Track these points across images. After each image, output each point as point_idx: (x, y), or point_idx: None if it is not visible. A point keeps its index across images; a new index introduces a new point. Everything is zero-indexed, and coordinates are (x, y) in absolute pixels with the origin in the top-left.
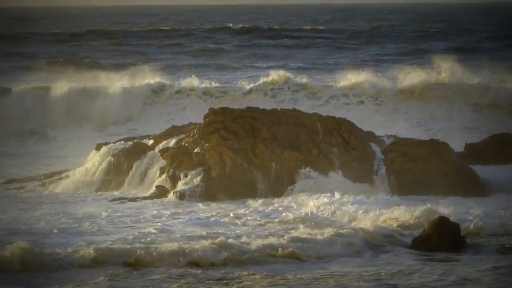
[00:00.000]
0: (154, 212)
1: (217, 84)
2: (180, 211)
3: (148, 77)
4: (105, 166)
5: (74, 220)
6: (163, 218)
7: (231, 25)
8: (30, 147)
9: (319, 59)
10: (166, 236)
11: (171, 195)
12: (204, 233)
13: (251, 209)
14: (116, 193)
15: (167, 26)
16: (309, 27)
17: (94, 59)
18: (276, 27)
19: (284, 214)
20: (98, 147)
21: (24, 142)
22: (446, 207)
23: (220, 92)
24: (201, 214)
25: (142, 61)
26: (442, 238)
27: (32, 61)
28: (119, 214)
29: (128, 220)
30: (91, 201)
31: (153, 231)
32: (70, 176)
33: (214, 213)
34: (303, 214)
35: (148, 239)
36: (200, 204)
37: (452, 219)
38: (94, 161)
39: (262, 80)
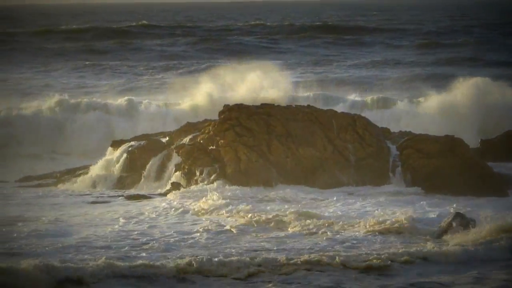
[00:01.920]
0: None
1: None
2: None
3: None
4: (121, 163)
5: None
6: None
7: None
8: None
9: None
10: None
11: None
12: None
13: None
14: (132, 190)
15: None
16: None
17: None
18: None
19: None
20: (114, 145)
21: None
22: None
23: None
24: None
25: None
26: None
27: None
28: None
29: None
30: (110, 199)
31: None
32: (86, 173)
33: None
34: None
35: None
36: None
37: None
38: (110, 159)
39: None
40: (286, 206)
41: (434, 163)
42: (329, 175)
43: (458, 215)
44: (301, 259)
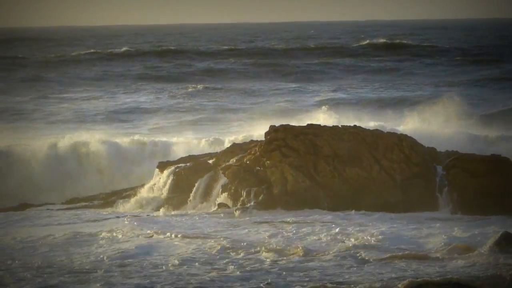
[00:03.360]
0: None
1: None
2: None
3: None
4: (168, 185)
5: None
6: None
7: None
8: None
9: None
10: None
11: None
12: None
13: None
14: (178, 211)
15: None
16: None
17: None
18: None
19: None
20: (160, 166)
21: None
22: None
23: None
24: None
25: None
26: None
27: None
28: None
29: None
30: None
31: None
32: (132, 195)
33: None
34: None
35: None
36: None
37: None
38: (157, 180)
39: None
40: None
41: (481, 183)
42: (376, 196)
43: (506, 235)
44: None
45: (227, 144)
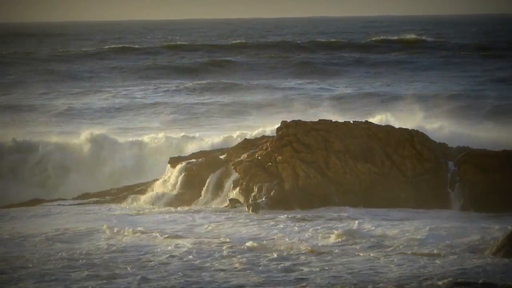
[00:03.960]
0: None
1: None
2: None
3: None
4: (179, 181)
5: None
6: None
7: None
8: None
9: None
10: None
11: (245, 208)
12: None
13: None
14: (190, 207)
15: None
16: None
17: None
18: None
19: None
20: (172, 162)
21: None
22: None
23: None
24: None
25: None
26: None
27: None
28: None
29: None
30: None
31: None
32: (144, 190)
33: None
34: None
35: None
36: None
37: None
38: (168, 176)
39: None
40: None
41: (492, 179)
42: (387, 192)
43: None
44: None
45: (229, 139)
